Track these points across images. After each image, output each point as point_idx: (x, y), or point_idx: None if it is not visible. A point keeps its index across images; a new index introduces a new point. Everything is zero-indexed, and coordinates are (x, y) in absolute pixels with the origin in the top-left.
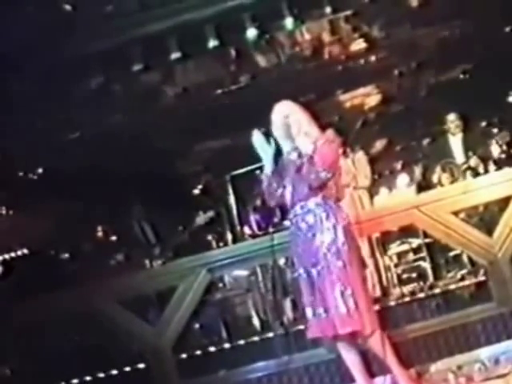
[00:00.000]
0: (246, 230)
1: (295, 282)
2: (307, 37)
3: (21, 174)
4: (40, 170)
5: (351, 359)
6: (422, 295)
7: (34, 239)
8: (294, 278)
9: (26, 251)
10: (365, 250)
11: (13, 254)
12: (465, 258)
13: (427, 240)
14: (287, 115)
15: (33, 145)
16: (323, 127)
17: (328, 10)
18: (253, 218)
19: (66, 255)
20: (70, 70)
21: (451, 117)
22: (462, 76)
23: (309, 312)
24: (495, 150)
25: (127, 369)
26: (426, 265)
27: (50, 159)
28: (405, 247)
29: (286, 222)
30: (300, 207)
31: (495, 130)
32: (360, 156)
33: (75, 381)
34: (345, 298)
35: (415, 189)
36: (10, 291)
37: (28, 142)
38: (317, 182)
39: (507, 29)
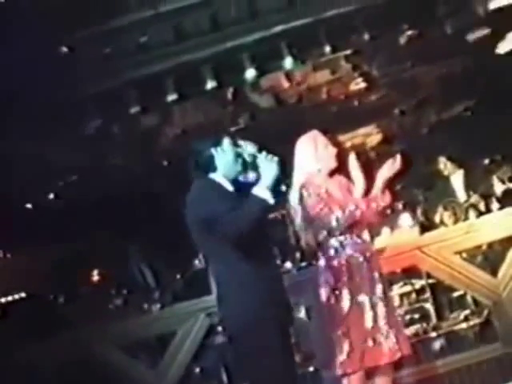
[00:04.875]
0: None
1: (350, 312)
2: (306, 76)
3: (17, 216)
4: (36, 214)
5: None
6: (425, 336)
7: (31, 282)
8: (349, 307)
9: (23, 295)
10: None
11: (10, 298)
12: (469, 299)
13: (430, 281)
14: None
15: (30, 187)
16: None
17: (327, 49)
18: None
19: (64, 299)
20: (67, 111)
21: (448, 156)
22: (464, 113)
23: (369, 341)
24: (498, 188)
25: None
26: (429, 306)
27: (47, 202)
28: (407, 288)
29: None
30: (355, 237)
31: (498, 168)
32: None
33: None
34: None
35: (418, 229)
36: (6, 335)
37: (25, 185)
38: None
39: (508, 64)
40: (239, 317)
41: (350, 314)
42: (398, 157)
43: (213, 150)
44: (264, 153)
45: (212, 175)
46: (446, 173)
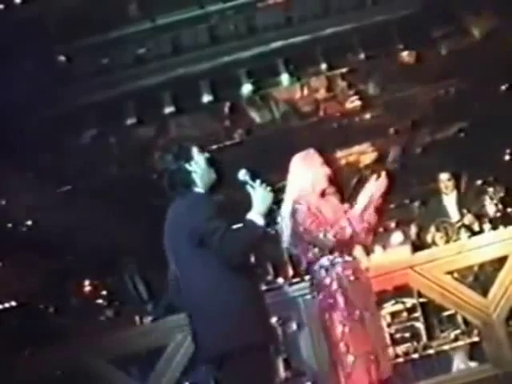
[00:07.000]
0: None
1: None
2: (303, 93)
3: (10, 225)
4: (29, 222)
5: None
6: (415, 355)
7: (22, 292)
8: (344, 325)
9: (13, 303)
10: None
11: (0, 306)
12: (459, 319)
13: (421, 300)
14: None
15: (23, 197)
16: None
17: (324, 67)
18: None
19: (55, 309)
20: (63, 122)
21: (444, 176)
22: (458, 134)
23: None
24: (490, 209)
25: None
26: (420, 325)
27: (40, 211)
28: (399, 307)
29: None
30: (346, 256)
31: (491, 189)
32: None
33: None
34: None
35: (410, 248)
36: None
37: (18, 194)
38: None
39: (503, 87)
40: (218, 340)
41: (346, 333)
42: (383, 174)
43: (187, 166)
44: (258, 181)
45: (194, 190)
46: (446, 191)
